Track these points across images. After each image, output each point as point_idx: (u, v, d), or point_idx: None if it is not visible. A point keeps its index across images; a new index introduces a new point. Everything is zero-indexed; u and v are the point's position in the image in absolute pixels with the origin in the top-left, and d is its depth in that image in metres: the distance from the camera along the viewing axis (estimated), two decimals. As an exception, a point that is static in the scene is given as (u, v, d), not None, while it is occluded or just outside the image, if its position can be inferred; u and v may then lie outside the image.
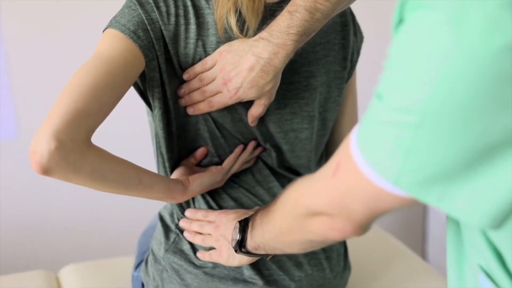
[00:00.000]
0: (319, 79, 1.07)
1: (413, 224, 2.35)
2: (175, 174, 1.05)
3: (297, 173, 1.13)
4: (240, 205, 1.09)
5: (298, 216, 0.76)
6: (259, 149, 1.09)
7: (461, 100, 0.52)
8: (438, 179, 0.56)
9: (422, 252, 2.37)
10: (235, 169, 1.08)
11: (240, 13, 0.96)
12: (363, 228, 0.69)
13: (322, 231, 0.73)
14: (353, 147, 0.62)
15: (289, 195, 0.80)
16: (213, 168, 1.06)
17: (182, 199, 1.03)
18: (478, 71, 0.51)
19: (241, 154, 1.07)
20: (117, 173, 0.89)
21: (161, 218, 1.13)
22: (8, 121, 1.87)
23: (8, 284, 1.44)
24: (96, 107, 0.86)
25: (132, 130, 1.91)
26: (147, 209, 1.68)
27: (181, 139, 1.05)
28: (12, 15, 1.79)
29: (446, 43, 0.51)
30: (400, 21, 0.57)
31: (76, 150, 0.83)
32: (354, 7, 1.10)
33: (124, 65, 0.92)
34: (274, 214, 0.85)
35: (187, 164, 1.07)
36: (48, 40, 1.85)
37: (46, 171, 0.82)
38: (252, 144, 1.08)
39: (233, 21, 0.95)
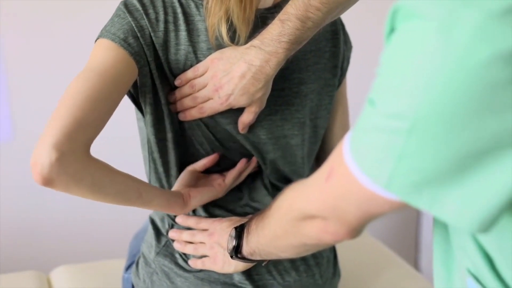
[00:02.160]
0: (310, 86, 1.08)
1: (406, 233, 2.36)
2: (179, 182, 1.05)
3: (290, 181, 1.13)
4: (231, 213, 1.09)
5: (292, 220, 0.77)
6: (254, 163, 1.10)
7: (450, 107, 0.53)
8: (429, 183, 0.57)
9: (415, 261, 2.37)
10: (235, 184, 1.09)
11: (231, 21, 0.97)
12: (356, 231, 0.70)
13: (316, 234, 0.74)
14: (346, 152, 0.63)
15: (283, 199, 0.81)
16: (216, 184, 1.06)
17: (180, 212, 1.04)
18: (466, 79, 0.52)
19: (244, 169, 1.08)
20: (117, 186, 0.90)
21: (152, 222, 1.14)
22: (4, 123, 1.88)
23: (-1, 284, 1.44)
24: (93, 117, 0.87)
25: (125, 135, 1.92)
26: (139, 212, 1.68)
27: (179, 144, 1.05)
28: (9, 17, 1.79)
29: (435, 51, 0.53)
30: (392, 29, 0.59)
31: (77, 161, 0.84)
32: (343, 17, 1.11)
33: (116, 74, 0.93)
34: (269, 219, 0.86)
35: (192, 171, 1.06)
36: (45, 42, 1.85)
37: (47, 182, 0.83)
38: (255, 161, 1.08)
39: (224, 30, 0.96)
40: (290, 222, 0.78)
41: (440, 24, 0.53)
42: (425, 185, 0.57)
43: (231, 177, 1.07)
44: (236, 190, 1.11)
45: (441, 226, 0.74)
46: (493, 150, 0.54)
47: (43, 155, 0.82)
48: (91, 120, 0.87)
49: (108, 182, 0.89)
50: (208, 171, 1.08)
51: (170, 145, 1.03)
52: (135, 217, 1.69)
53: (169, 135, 1.03)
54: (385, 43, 0.60)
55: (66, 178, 0.84)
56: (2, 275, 1.50)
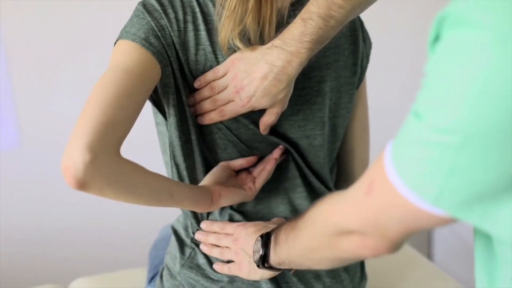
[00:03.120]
0: (330, 84, 1.05)
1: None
2: (210, 177, 1.02)
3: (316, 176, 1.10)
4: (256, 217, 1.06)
5: (328, 234, 0.75)
6: (283, 156, 1.06)
7: (505, 121, 0.51)
8: (481, 199, 0.56)
9: (428, 255, 2.38)
10: (264, 182, 1.05)
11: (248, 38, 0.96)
12: (396, 245, 0.68)
13: (354, 249, 0.72)
14: (388, 166, 0.61)
15: (318, 213, 0.79)
16: (247, 187, 1.03)
17: (204, 210, 1.01)
18: None
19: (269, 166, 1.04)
20: (150, 186, 0.87)
21: (175, 232, 1.11)
22: (10, 130, 1.86)
23: (18, 299, 1.42)
24: (123, 116, 0.84)
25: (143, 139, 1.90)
26: (156, 221, 1.67)
27: (202, 146, 1.03)
28: (15, 23, 1.78)
29: (490, 62, 0.51)
30: (437, 37, 0.56)
31: (111, 162, 0.81)
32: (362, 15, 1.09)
33: (142, 73, 0.90)
34: (302, 231, 0.84)
35: (226, 169, 1.03)
36: (52, 49, 1.84)
37: (82, 185, 0.80)
38: (278, 152, 1.04)
39: (240, 44, 0.95)
40: (326, 237, 0.76)
41: (495, 35, 0.51)
42: (476, 201, 0.56)
43: (260, 180, 1.04)
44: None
45: (482, 234, 0.72)
46: None
47: (76, 157, 0.78)
48: (121, 119, 0.84)
49: (142, 183, 0.86)
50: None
51: (196, 148, 1.01)
52: (153, 225, 1.67)
53: (194, 137, 1.00)
54: (428, 52, 0.58)
55: (100, 180, 0.80)
56: (20, 289, 1.49)
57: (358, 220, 0.68)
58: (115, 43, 0.96)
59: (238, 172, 1.06)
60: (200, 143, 1.01)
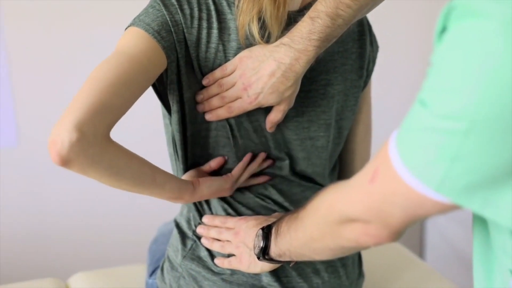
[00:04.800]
0: (336, 87, 1.07)
1: (411, 232, 2.36)
2: (186, 176, 1.05)
3: (312, 181, 1.13)
4: (257, 213, 1.08)
5: (331, 222, 0.76)
6: (268, 162, 1.08)
7: (509, 108, 0.52)
8: (484, 185, 0.56)
9: (420, 255, 2.38)
10: (243, 178, 1.07)
11: (263, 21, 0.96)
12: (398, 233, 0.69)
13: (356, 237, 0.73)
14: (392, 153, 0.62)
15: (322, 201, 0.80)
16: (224, 175, 1.06)
17: (190, 200, 1.02)
18: None
19: (249, 164, 1.07)
20: (133, 170, 0.89)
21: (177, 225, 1.12)
22: (8, 128, 1.86)
23: (18, 292, 1.43)
24: (118, 102, 0.85)
25: (145, 130, 1.91)
26: (156, 217, 1.68)
27: (196, 145, 1.04)
28: (13, 21, 1.78)
29: (496, 51, 0.52)
30: (444, 29, 0.57)
31: (97, 143, 0.82)
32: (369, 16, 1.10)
33: (146, 63, 0.91)
34: (304, 221, 0.84)
35: (200, 170, 1.06)
36: (50, 47, 1.84)
37: (65, 162, 0.81)
38: (261, 156, 1.07)
39: (255, 29, 0.95)
40: (329, 224, 0.77)
41: (502, 24, 0.52)
42: (479, 188, 0.56)
43: (237, 169, 1.06)
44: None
45: (481, 226, 0.73)
46: None
47: (63, 134, 0.80)
48: (116, 104, 0.85)
49: (125, 165, 0.87)
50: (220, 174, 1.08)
51: (191, 146, 1.03)
52: (152, 222, 1.68)
53: (190, 135, 1.02)
54: (435, 43, 0.59)
55: (84, 160, 0.82)
56: (20, 282, 1.49)
57: (361, 208, 0.69)
58: (126, 28, 0.97)
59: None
60: (196, 141, 1.03)
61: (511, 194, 0.56)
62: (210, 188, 1.03)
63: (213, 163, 1.06)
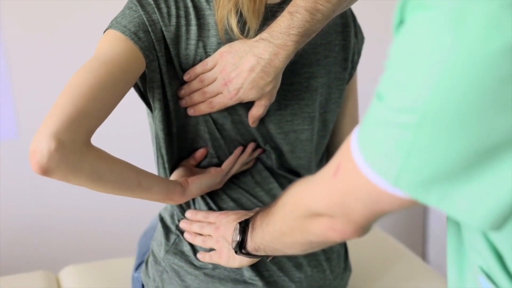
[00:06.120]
0: (320, 80, 1.07)
1: (413, 225, 2.35)
2: (174, 175, 1.05)
3: (297, 174, 1.13)
4: (239, 206, 1.08)
5: (298, 217, 0.76)
6: (258, 151, 1.09)
7: (461, 101, 0.52)
8: (438, 180, 0.56)
9: (423, 253, 2.37)
10: (234, 170, 1.08)
11: (241, 14, 0.96)
12: (363, 229, 0.69)
13: (323, 232, 0.73)
14: (354, 148, 0.62)
15: (289, 196, 0.80)
16: (212, 170, 1.06)
17: (180, 200, 1.03)
18: (478, 72, 0.50)
19: (240, 155, 1.07)
20: (116, 174, 0.89)
21: (162, 219, 1.13)
22: (9, 121, 1.87)
23: (8, 284, 1.43)
24: (96, 107, 0.86)
25: (131, 130, 1.91)
26: (147, 210, 1.68)
27: (181, 140, 1.05)
28: (12, 15, 1.79)
29: (446, 43, 0.51)
30: (401, 22, 0.57)
31: (76, 151, 0.83)
32: (355, 7, 1.10)
33: (124, 66, 0.91)
34: (275, 215, 0.85)
35: (186, 165, 1.06)
36: (49, 40, 1.85)
37: (46, 171, 0.82)
38: (251, 146, 1.08)
39: (234, 22, 0.95)
40: (296, 219, 0.77)
41: (451, 15, 0.51)
42: (434, 182, 0.56)
43: (227, 162, 1.06)
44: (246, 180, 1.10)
45: (454, 223, 0.72)
46: (504, 146, 0.53)
47: (42, 144, 0.81)
48: (94, 110, 0.85)
49: (107, 170, 0.87)
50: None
51: (176, 141, 1.03)
52: (144, 215, 1.68)
53: (174, 130, 1.02)
54: (393, 36, 0.58)
55: (65, 168, 0.82)
56: (11, 275, 1.50)
57: (325, 202, 0.69)
58: (104, 31, 0.97)
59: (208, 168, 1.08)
60: (181, 136, 1.03)
61: (465, 189, 0.55)
62: (200, 187, 1.04)
63: (197, 155, 1.06)
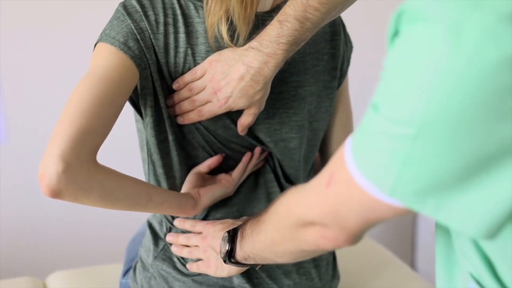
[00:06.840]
0: (308, 88, 1.07)
1: (402, 233, 2.36)
2: (186, 185, 1.05)
3: (290, 182, 1.13)
4: (236, 211, 1.08)
5: (290, 226, 0.76)
6: (264, 153, 1.09)
7: (457, 112, 0.52)
8: (434, 190, 0.56)
9: (411, 262, 2.38)
10: (244, 177, 1.08)
11: (231, 21, 0.96)
12: (355, 237, 0.69)
13: (315, 240, 0.73)
14: (348, 157, 0.62)
15: (281, 205, 0.80)
16: (223, 179, 1.05)
17: (193, 213, 1.02)
18: (475, 83, 0.51)
19: (249, 162, 1.07)
20: (126, 191, 0.89)
21: (150, 226, 1.13)
22: (-2, 124, 1.86)
23: (-6, 290, 1.43)
24: (98, 124, 0.86)
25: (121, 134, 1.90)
26: (136, 216, 1.67)
27: (180, 145, 1.04)
28: (2, 18, 1.78)
29: (443, 55, 0.52)
30: (396, 33, 0.57)
31: (84, 170, 0.83)
32: (346, 14, 1.10)
33: (119, 79, 0.92)
34: (266, 224, 0.85)
35: (198, 173, 1.06)
36: (40, 43, 1.84)
37: (56, 194, 0.82)
38: (258, 150, 1.07)
39: (224, 29, 0.95)
40: (288, 228, 0.77)
41: (448, 27, 0.52)
42: (431, 191, 0.57)
43: (237, 171, 1.06)
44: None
45: (443, 230, 0.73)
46: (500, 157, 0.53)
47: (50, 167, 0.81)
48: (96, 127, 0.86)
49: (117, 188, 0.88)
50: (214, 173, 1.07)
51: (172, 147, 1.03)
52: (132, 221, 1.68)
53: (171, 137, 1.02)
54: (388, 47, 0.59)
55: (74, 189, 0.82)
56: (-3, 281, 1.49)
57: (318, 212, 0.69)
58: (95, 45, 0.98)
59: (216, 175, 1.07)
60: (178, 143, 1.03)
61: (461, 199, 0.56)
62: (212, 197, 1.04)
63: (211, 162, 1.05)
